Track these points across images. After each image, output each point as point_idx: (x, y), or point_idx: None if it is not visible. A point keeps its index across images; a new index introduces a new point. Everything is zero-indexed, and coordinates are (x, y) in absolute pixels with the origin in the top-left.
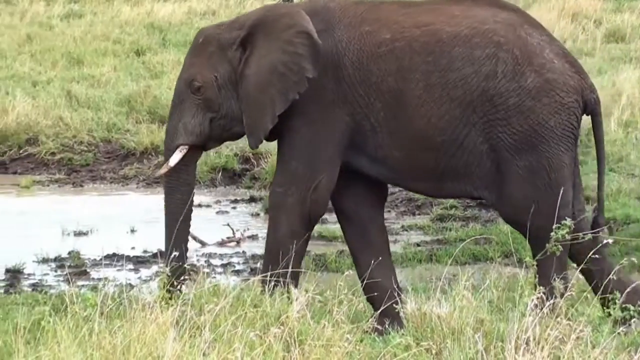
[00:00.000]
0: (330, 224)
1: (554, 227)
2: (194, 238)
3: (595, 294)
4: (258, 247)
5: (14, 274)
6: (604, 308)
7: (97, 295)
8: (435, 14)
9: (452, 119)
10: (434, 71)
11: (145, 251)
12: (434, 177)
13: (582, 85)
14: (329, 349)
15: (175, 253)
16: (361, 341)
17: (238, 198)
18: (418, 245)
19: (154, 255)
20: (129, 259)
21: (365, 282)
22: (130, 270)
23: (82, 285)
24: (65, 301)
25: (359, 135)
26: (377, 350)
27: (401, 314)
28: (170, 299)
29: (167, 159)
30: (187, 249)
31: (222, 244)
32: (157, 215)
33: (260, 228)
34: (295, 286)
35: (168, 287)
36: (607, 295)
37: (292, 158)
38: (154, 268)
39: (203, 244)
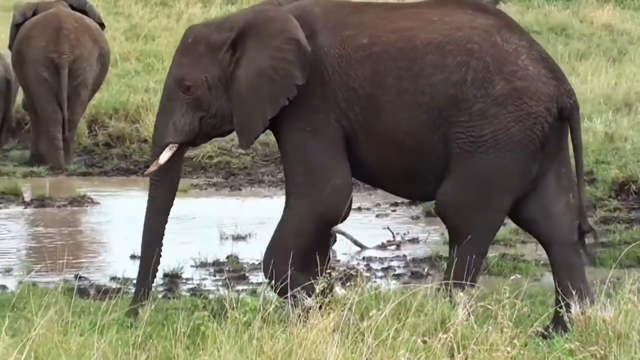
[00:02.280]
0: None
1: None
2: (354, 241)
3: None
4: (419, 251)
5: (172, 279)
6: None
7: (257, 300)
8: (414, 19)
9: (420, 123)
10: (405, 77)
11: None
12: (414, 181)
13: (557, 91)
14: (492, 353)
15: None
16: (525, 345)
17: (398, 201)
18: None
19: None
20: None
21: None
22: None
23: (241, 290)
24: (224, 306)
25: (345, 140)
26: (541, 354)
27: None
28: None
29: (156, 157)
30: (162, 245)
31: (382, 247)
32: None
33: (421, 231)
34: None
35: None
36: None
37: (299, 173)
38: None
39: (362, 247)
